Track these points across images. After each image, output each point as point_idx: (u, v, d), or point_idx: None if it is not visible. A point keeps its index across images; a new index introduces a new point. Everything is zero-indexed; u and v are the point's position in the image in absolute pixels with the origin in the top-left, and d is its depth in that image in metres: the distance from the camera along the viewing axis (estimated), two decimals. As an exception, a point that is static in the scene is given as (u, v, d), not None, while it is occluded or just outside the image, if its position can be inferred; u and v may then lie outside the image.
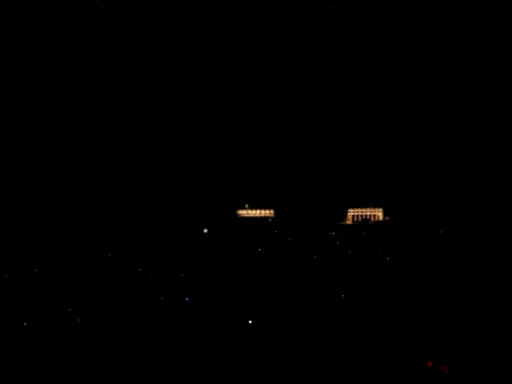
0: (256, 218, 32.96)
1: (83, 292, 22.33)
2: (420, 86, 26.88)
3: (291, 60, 24.89)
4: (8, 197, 24.51)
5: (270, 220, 32.85)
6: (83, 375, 15.75)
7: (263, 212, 33.14)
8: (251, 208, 33.15)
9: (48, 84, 24.53)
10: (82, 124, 26.96)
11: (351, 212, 33.36)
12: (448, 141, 30.11)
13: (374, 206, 33.32)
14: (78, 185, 28.04)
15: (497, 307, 19.54)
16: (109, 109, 26.89)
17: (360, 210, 33.32)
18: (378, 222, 32.88)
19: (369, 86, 26.22)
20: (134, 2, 23.32)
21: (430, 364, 19.16)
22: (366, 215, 33.24)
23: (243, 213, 33.14)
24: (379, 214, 33.17)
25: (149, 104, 27.34)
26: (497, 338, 16.94)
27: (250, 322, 19.27)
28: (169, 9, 23.18)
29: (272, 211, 33.12)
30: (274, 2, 23.80)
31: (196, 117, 28.89)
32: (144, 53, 24.49)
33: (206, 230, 30.32)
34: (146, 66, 24.76)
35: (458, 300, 20.92)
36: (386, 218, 33.04)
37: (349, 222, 33.19)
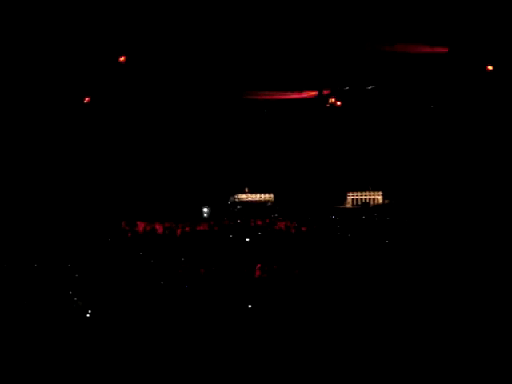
0: (256, 201, 33.06)
1: (84, 276, 22.50)
2: (421, 76, 26.93)
3: (291, 51, 24.96)
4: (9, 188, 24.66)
5: (269, 204, 32.94)
6: (84, 360, 15.92)
7: (263, 196, 33.23)
8: (251, 192, 33.24)
9: (47, 83, 24.66)
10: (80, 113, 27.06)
11: (351, 195, 33.44)
12: (447, 125, 30.18)
13: (374, 189, 33.41)
14: (77, 167, 28.11)
15: (499, 293, 19.62)
16: (110, 99, 26.99)
17: (359, 193, 33.40)
18: (378, 205, 32.98)
19: (367, 76, 26.31)
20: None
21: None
22: (365, 199, 33.33)
23: (243, 197, 33.23)
24: (379, 197, 33.26)
25: (148, 93, 27.43)
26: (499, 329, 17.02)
27: (250, 306, 19.41)
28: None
29: (272, 195, 33.20)
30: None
31: (195, 102, 28.97)
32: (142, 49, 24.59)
33: (205, 215, 30.47)
34: (144, 59, 24.86)
35: (458, 284, 21.05)
36: (386, 201, 33.13)
37: (348, 205, 33.27)
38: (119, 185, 29.35)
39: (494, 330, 16.89)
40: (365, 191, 33.29)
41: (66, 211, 27.02)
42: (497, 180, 28.34)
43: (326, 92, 30.58)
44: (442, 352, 16.06)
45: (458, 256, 23.73)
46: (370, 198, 33.26)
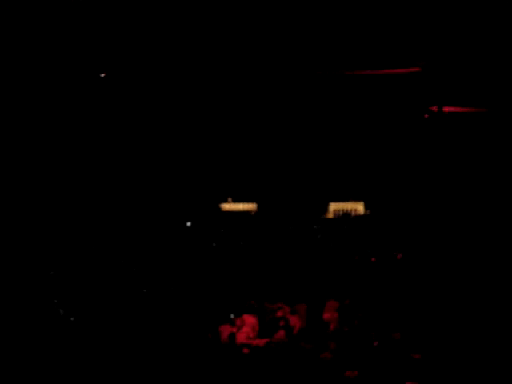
0: (239, 211, 33.12)
1: (67, 284, 22.37)
2: (405, 83, 27.10)
3: (277, 59, 25.05)
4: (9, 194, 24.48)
5: (252, 214, 33.02)
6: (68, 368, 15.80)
7: (246, 206, 33.32)
8: (234, 202, 33.30)
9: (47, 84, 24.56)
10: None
11: (332, 206, 33.61)
12: (432, 134, 30.39)
13: (355, 199, 33.59)
14: (67, 175, 27.98)
15: (485, 301, 19.69)
16: (96, 105, 26.94)
17: (341, 203, 33.57)
18: (359, 215, 33.17)
19: (354, 82, 26.42)
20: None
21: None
22: (347, 209, 33.50)
23: (226, 207, 33.29)
24: (360, 207, 33.46)
25: (136, 101, 27.42)
26: (493, 337, 17.04)
27: (232, 316, 19.34)
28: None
29: (255, 205, 33.28)
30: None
31: (180, 112, 28.99)
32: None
33: (188, 224, 30.46)
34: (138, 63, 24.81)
35: (443, 294, 21.14)
36: (367, 211, 33.32)
37: (330, 215, 33.43)
38: (99, 193, 29.26)
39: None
40: (346, 201, 33.47)
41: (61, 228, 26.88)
42: (484, 188, 28.54)
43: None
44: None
45: (443, 267, 23.87)
46: (351, 208, 33.44)
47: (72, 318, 18.68)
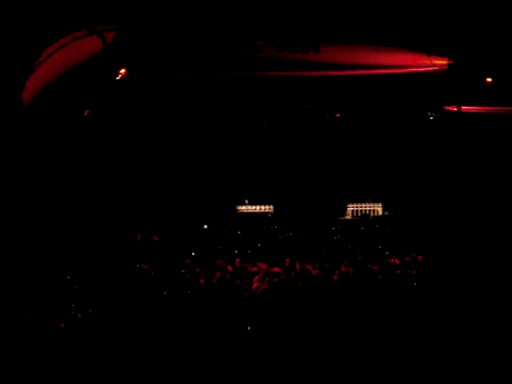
0: (256, 213, 33.03)
1: (82, 286, 22.35)
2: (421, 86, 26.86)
3: (287, 57, 24.93)
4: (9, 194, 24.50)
5: (269, 215, 32.90)
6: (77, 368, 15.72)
7: (263, 207, 33.20)
8: (251, 204, 33.21)
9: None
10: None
11: (350, 207, 33.42)
12: (447, 136, 30.15)
13: (374, 201, 33.38)
14: (77, 176, 27.99)
15: (498, 305, 19.45)
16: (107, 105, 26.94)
17: (359, 205, 33.38)
18: (378, 216, 32.95)
19: (368, 81, 26.22)
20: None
21: None
22: (365, 210, 33.30)
23: (243, 208, 33.20)
24: (379, 209, 33.24)
25: (147, 101, 27.40)
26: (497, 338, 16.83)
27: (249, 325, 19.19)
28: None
29: (272, 207, 33.16)
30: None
31: (195, 113, 28.95)
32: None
33: (206, 226, 30.43)
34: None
35: (458, 296, 20.92)
36: (386, 212, 33.10)
37: (348, 216, 33.26)
38: (118, 196, 29.28)
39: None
40: (364, 203, 33.29)
41: (65, 221, 26.87)
42: (497, 189, 28.27)
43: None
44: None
45: (459, 269, 23.59)
46: (369, 210, 33.24)
47: (79, 318, 18.67)
